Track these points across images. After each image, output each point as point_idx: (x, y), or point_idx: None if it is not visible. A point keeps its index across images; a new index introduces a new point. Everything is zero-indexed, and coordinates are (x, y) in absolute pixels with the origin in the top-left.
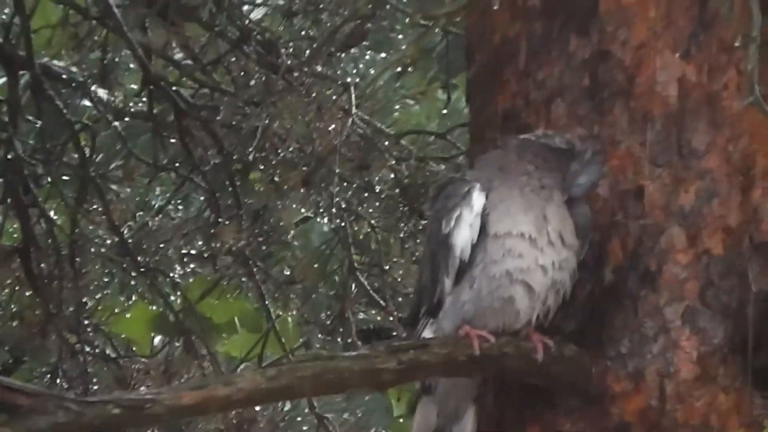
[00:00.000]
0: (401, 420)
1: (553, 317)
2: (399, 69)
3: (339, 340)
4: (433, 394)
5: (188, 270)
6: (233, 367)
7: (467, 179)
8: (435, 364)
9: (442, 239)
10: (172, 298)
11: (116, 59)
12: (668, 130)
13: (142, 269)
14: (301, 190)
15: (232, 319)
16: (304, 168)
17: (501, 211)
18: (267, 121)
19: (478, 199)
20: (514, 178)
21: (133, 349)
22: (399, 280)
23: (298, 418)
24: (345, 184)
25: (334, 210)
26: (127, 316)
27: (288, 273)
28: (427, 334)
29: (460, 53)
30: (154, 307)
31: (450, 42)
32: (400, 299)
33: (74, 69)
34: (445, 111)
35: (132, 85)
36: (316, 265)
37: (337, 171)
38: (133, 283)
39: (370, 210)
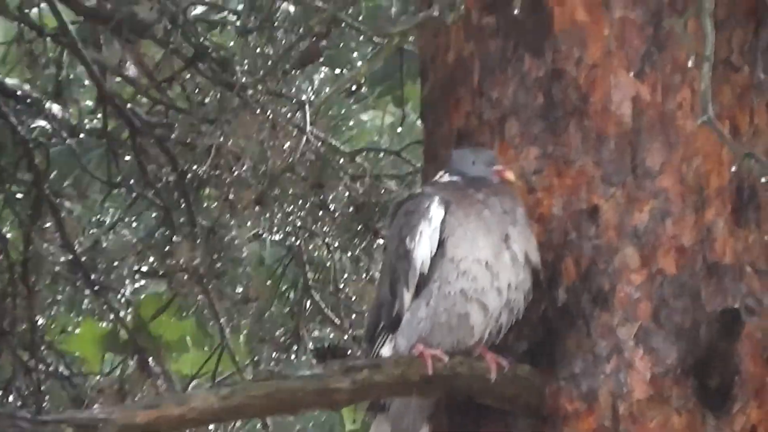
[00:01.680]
0: None
1: (506, 337)
2: (354, 86)
3: (293, 358)
4: (387, 412)
5: (141, 287)
6: (186, 384)
7: (427, 193)
8: (388, 383)
9: (403, 253)
10: (124, 315)
11: (71, 76)
12: (622, 150)
13: (95, 287)
14: (256, 209)
15: (183, 337)
16: (259, 185)
17: (458, 235)
18: (221, 139)
19: (437, 211)
20: (471, 203)
21: (82, 369)
22: (353, 298)
23: None
24: (300, 202)
25: (288, 228)
26: (77, 331)
27: (242, 291)
28: (385, 350)
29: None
30: (106, 324)
31: (404, 60)
32: (354, 317)
33: (28, 86)
34: (399, 129)
35: (87, 102)
36: (269, 283)
37: (291, 192)
38: (86, 300)
39: (325, 228)
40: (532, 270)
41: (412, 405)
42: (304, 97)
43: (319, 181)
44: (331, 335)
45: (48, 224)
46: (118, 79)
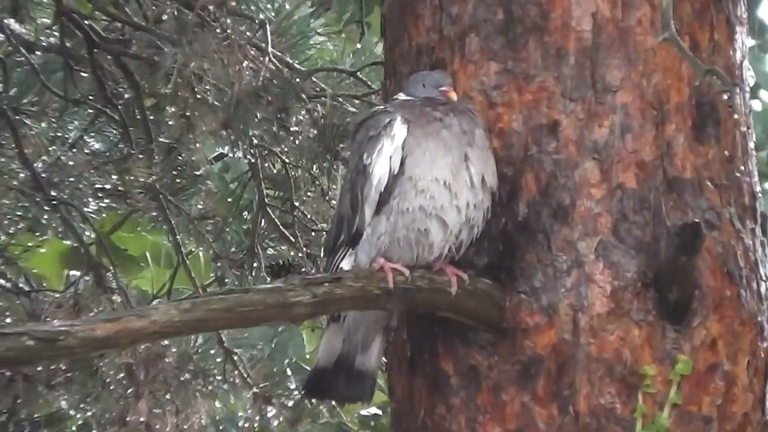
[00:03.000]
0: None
1: (467, 251)
2: (313, 7)
3: (249, 275)
4: (342, 322)
5: (101, 204)
6: (147, 303)
7: (389, 110)
8: (349, 297)
9: (363, 169)
10: (86, 232)
11: None
12: (582, 65)
13: (54, 203)
14: (222, 133)
15: (144, 253)
16: (222, 109)
17: (417, 155)
18: (183, 61)
19: (399, 129)
20: (429, 121)
21: (44, 285)
22: (309, 216)
23: (211, 351)
24: (264, 127)
25: (248, 148)
26: (42, 251)
27: (200, 207)
28: (345, 264)
29: None
30: (67, 242)
31: None
32: (312, 235)
33: None
34: (359, 45)
35: (44, 19)
36: (229, 200)
37: (257, 118)
38: (45, 217)
39: (283, 147)
40: (490, 191)
41: (367, 317)
42: (262, 16)
43: (285, 105)
44: (287, 253)
45: (5, 141)
46: None
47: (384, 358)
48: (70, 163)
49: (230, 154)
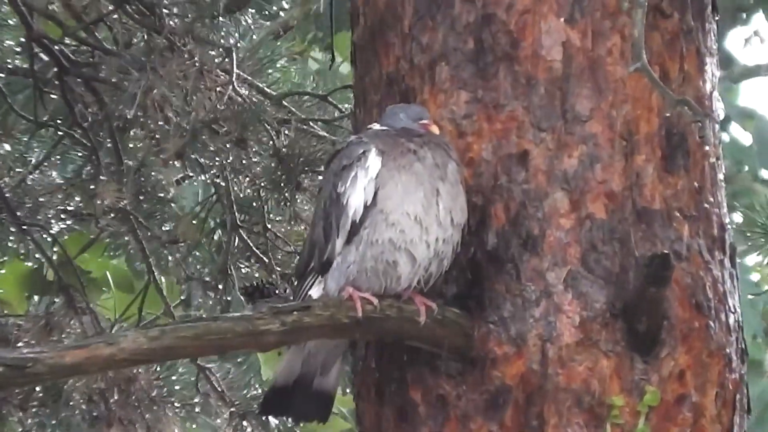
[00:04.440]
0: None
1: (436, 281)
2: (280, 31)
3: (220, 297)
4: (303, 344)
5: (67, 226)
6: (110, 327)
7: (363, 140)
8: (318, 325)
9: (337, 199)
10: (50, 254)
11: None
12: (552, 95)
13: (21, 225)
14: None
15: (106, 273)
16: (181, 137)
17: (390, 187)
18: (148, 85)
19: (374, 161)
20: (403, 153)
21: (5, 311)
22: (279, 237)
23: (181, 369)
24: (221, 155)
25: (214, 170)
26: (1, 271)
27: (169, 230)
28: (314, 292)
29: (343, 15)
30: (31, 264)
31: (334, 3)
32: (281, 256)
33: None
34: (329, 68)
35: (9, 42)
36: (194, 222)
37: (212, 148)
38: (11, 238)
39: (252, 170)
40: (458, 227)
41: (329, 341)
42: (231, 41)
43: (243, 136)
44: (260, 274)
45: None
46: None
47: (353, 387)
48: (37, 187)
49: (198, 177)
